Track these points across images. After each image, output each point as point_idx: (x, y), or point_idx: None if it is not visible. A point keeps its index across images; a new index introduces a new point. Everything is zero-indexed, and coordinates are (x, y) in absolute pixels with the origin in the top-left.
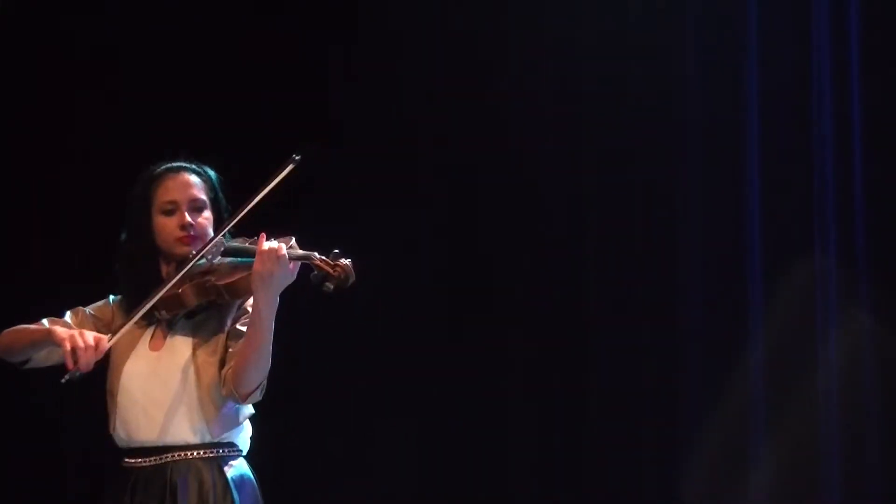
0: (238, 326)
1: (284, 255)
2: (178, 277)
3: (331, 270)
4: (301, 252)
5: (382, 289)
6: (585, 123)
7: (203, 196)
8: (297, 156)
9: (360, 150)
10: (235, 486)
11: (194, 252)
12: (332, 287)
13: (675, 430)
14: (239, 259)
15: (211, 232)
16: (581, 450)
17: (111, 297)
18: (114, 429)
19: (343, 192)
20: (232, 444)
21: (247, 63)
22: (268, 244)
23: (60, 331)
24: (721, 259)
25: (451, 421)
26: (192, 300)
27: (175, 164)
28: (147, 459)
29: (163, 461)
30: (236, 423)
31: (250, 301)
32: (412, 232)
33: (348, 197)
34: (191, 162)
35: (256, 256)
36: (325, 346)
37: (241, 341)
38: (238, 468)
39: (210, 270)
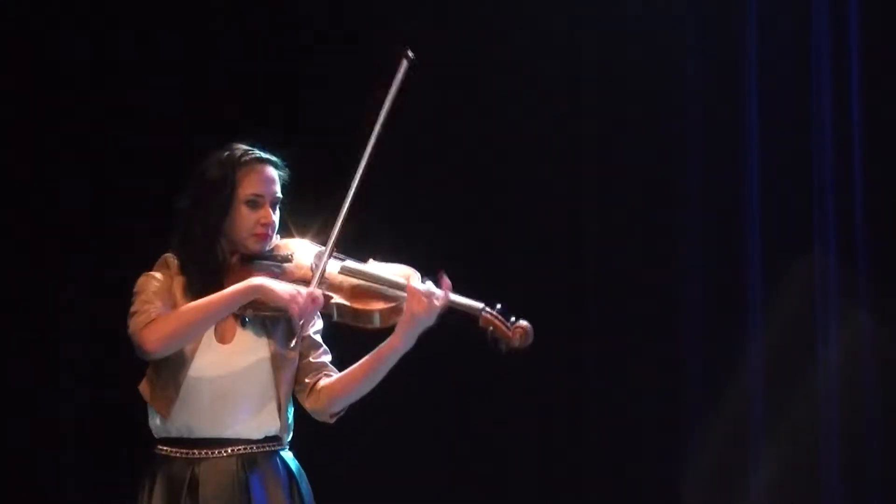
0: (313, 335)
1: (446, 300)
2: (320, 271)
3: (507, 331)
4: (466, 302)
5: None
6: (585, 123)
7: (280, 195)
8: (409, 53)
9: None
10: (299, 476)
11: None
12: (504, 349)
13: (676, 431)
14: (372, 285)
15: None
16: (581, 450)
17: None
18: (171, 419)
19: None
20: (279, 438)
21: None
22: (427, 287)
23: (277, 288)
24: (721, 258)
25: (449, 420)
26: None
27: (262, 155)
28: (209, 451)
29: (228, 454)
30: (290, 420)
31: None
32: (410, 230)
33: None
34: (268, 152)
35: (413, 297)
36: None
37: (353, 367)
38: (293, 460)
39: (332, 286)
